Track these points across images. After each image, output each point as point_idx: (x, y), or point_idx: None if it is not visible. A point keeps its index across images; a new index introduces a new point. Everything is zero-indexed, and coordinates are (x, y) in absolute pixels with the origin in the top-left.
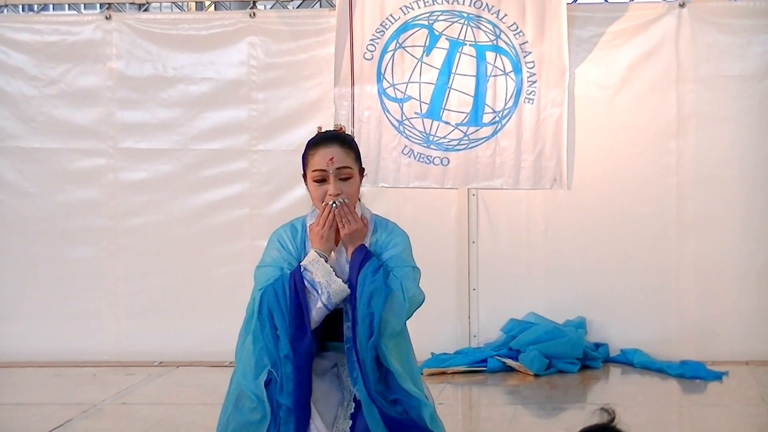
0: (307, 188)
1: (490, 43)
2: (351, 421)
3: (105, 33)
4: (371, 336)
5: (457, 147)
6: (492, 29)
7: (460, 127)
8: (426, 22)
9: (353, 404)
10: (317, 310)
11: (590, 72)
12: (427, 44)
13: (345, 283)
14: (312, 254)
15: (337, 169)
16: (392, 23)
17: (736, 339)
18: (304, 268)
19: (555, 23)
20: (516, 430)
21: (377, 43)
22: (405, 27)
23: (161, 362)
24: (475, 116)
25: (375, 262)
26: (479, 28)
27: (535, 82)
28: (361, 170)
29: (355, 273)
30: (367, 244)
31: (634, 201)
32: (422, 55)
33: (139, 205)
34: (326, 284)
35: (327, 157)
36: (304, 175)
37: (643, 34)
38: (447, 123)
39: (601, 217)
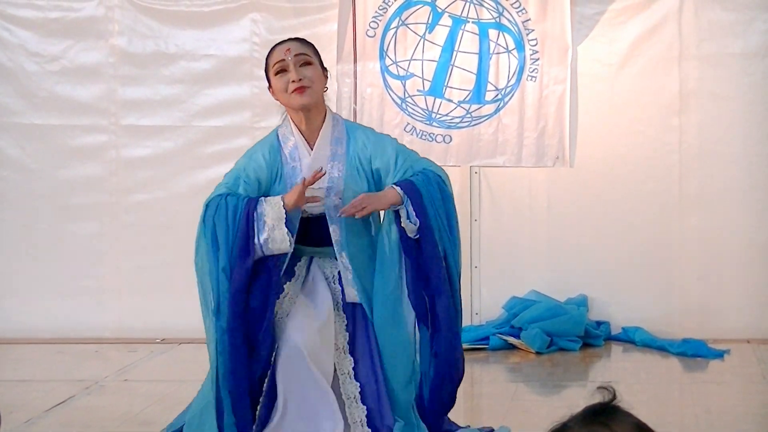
0: (275, 97)
1: (493, 21)
2: (348, 334)
3: (107, 9)
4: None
5: (459, 124)
6: (494, 6)
7: (462, 105)
8: None
9: (344, 315)
10: (252, 245)
11: (593, 49)
12: (429, 21)
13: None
14: (275, 198)
15: (296, 56)
16: (395, 0)
17: (737, 317)
18: (261, 200)
19: (557, 0)
20: (517, 407)
21: (380, 20)
22: (408, 4)
23: (163, 339)
24: (477, 94)
25: (414, 182)
26: (482, 5)
27: (537, 59)
28: (324, 69)
29: (421, 210)
30: (342, 157)
31: (637, 178)
32: (425, 33)
33: (142, 181)
34: (271, 227)
35: (284, 48)
36: (270, 87)
37: (646, 11)
38: (449, 100)
39: (603, 195)
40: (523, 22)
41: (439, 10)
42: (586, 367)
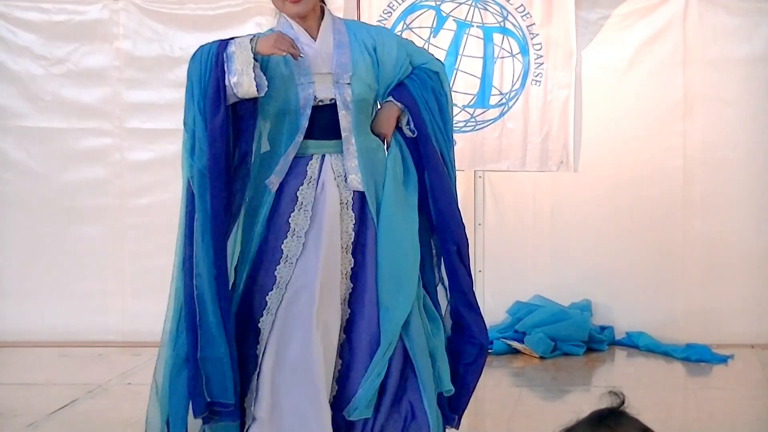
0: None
1: (498, 25)
2: (354, 233)
3: (112, 12)
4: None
5: (463, 129)
6: (499, 11)
7: (466, 109)
8: (433, 3)
9: (353, 214)
10: (226, 86)
11: (597, 54)
12: (434, 26)
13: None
14: (245, 39)
15: None
16: (399, 4)
17: (741, 322)
18: (232, 41)
19: (562, 5)
20: (521, 412)
21: (384, 24)
22: (412, 8)
23: None
24: (482, 98)
25: (408, 87)
26: (486, 9)
27: (542, 64)
28: None
29: (419, 118)
30: (346, 45)
31: (641, 183)
32: (429, 37)
33: (146, 184)
34: (240, 71)
35: None
36: None
37: (651, 15)
38: (454, 104)
39: (607, 200)
40: (527, 27)
41: (444, 14)
42: (590, 371)
